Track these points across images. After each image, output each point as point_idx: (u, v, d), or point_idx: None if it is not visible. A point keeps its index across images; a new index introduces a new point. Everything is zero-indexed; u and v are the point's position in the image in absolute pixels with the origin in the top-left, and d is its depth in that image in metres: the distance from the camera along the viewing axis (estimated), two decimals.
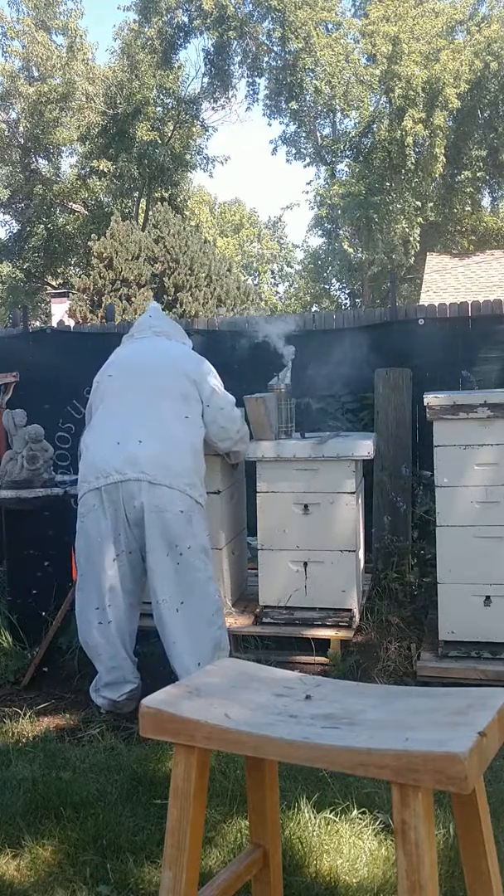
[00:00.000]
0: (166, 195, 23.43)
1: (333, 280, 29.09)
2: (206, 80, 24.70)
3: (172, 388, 3.61)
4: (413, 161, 21.48)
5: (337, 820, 2.55)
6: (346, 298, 28.93)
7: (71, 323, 13.67)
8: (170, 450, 3.46)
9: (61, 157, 25.29)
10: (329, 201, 23.44)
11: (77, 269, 24.46)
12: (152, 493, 3.39)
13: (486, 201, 25.45)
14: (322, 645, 4.04)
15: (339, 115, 24.59)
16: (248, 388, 5.42)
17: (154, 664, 3.94)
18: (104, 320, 11.69)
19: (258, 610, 4.24)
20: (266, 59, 24.23)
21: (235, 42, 23.76)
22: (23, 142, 24.24)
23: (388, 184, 22.38)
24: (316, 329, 5.82)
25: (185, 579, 3.44)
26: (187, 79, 26.54)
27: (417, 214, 22.57)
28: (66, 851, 2.47)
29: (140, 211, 24.24)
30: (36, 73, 23.76)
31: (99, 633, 3.49)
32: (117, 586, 3.47)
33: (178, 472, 3.44)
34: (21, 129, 24.11)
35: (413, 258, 23.01)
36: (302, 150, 25.43)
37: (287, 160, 26.06)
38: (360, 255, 24.04)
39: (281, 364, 5.06)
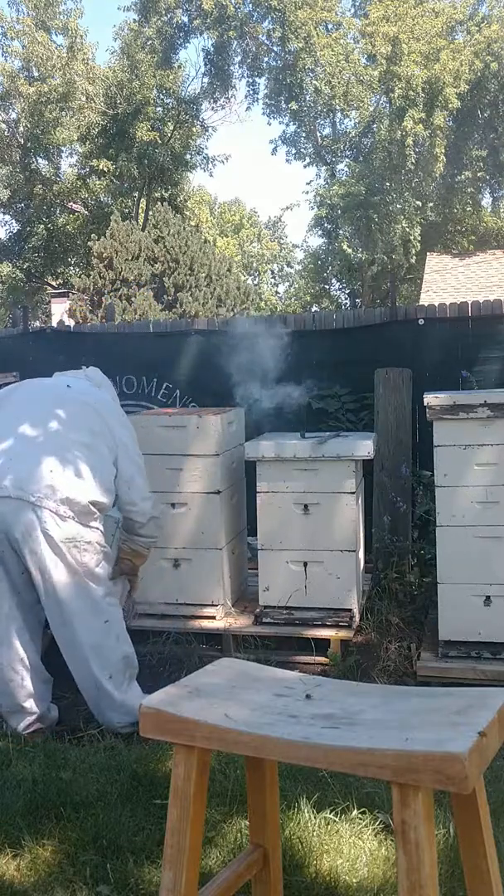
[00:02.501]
0: (166, 195, 23.42)
1: (333, 280, 29.09)
2: (206, 80, 24.71)
3: (88, 421, 3.47)
4: (413, 161, 21.47)
5: (337, 820, 2.55)
6: (346, 298, 28.89)
7: (71, 323, 13.67)
8: (65, 474, 3.29)
9: (61, 157, 25.31)
10: (329, 201, 23.41)
11: (77, 269, 24.46)
12: (47, 518, 3.24)
13: (486, 201, 25.47)
14: (322, 645, 4.04)
15: (339, 115, 24.59)
16: (252, 389, 5.43)
17: (154, 664, 3.95)
18: (104, 320, 11.69)
19: (258, 610, 4.25)
20: (266, 59, 24.22)
21: (235, 42, 23.74)
22: (23, 142, 24.22)
23: (388, 184, 22.36)
24: (316, 329, 5.83)
25: (80, 600, 3.29)
26: (187, 79, 26.47)
27: (417, 214, 22.57)
28: (66, 851, 2.47)
29: (140, 211, 24.23)
30: (36, 73, 23.74)
31: None
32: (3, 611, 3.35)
33: (79, 499, 3.28)
34: (21, 129, 24.09)
35: (413, 258, 23.00)
36: (302, 150, 25.42)
37: (287, 160, 26.06)
38: (360, 255, 24.03)
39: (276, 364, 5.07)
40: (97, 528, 3.38)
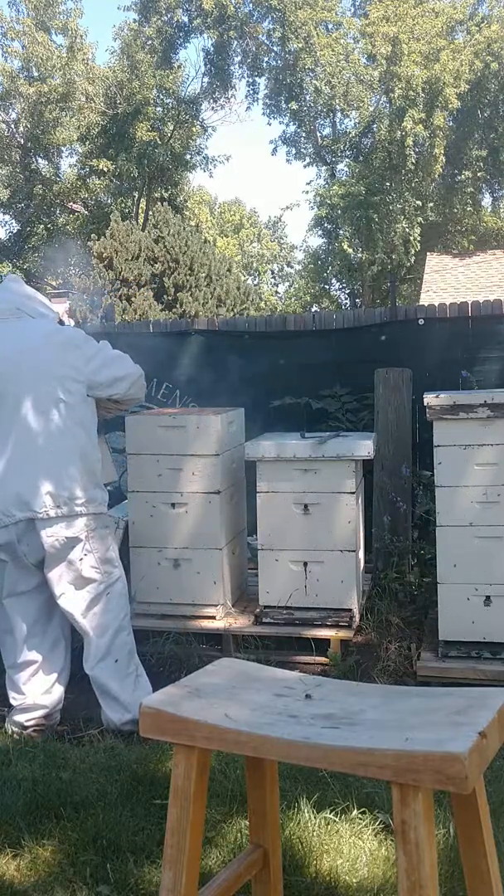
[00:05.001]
0: (166, 195, 23.42)
1: (333, 280, 29.07)
2: (206, 80, 24.73)
3: (45, 396, 3.31)
4: (413, 161, 21.47)
5: (337, 820, 2.55)
6: (346, 298, 28.89)
7: (71, 323, 13.66)
8: (54, 476, 3.28)
9: (61, 157, 25.33)
10: (329, 201, 23.41)
11: (77, 270, 24.46)
12: (45, 526, 3.27)
13: (486, 201, 25.48)
14: (322, 645, 4.04)
15: (339, 115, 24.59)
16: (250, 392, 5.42)
17: (154, 664, 3.95)
18: (104, 320, 11.68)
19: (258, 610, 4.24)
20: (266, 59, 24.23)
21: (235, 42, 23.75)
22: (23, 142, 24.24)
23: (388, 184, 22.37)
24: (316, 329, 5.82)
25: (91, 594, 3.38)
26: (187, 79, 26.54)
27: (417, 214, 22.57)
28: (66, 851, 2.47)
29: (140, 211, 24.23)
30: (36, 73, 23.74)
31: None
32: (29, 624, 3.45)
33: (67, 496, 3.29)
34: (21, 129, 24.10)
35: (413, 258, 23.00)
36: (302, 150, 25.42)
37: (287, 160, 26.06)
38: (360, 255, 24.03)
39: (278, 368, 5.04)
40: (100, 512, 3.40)
